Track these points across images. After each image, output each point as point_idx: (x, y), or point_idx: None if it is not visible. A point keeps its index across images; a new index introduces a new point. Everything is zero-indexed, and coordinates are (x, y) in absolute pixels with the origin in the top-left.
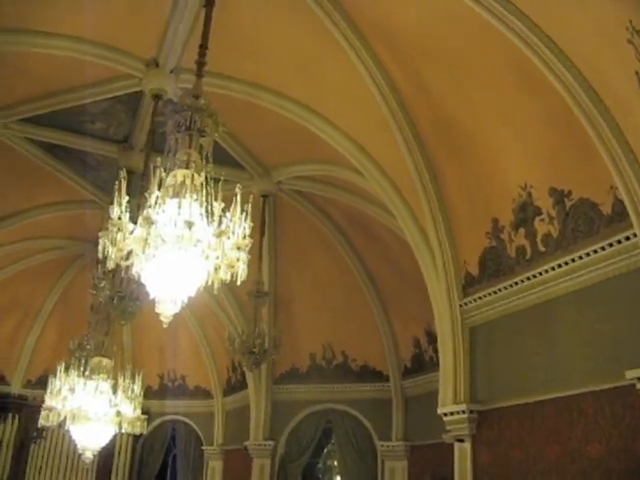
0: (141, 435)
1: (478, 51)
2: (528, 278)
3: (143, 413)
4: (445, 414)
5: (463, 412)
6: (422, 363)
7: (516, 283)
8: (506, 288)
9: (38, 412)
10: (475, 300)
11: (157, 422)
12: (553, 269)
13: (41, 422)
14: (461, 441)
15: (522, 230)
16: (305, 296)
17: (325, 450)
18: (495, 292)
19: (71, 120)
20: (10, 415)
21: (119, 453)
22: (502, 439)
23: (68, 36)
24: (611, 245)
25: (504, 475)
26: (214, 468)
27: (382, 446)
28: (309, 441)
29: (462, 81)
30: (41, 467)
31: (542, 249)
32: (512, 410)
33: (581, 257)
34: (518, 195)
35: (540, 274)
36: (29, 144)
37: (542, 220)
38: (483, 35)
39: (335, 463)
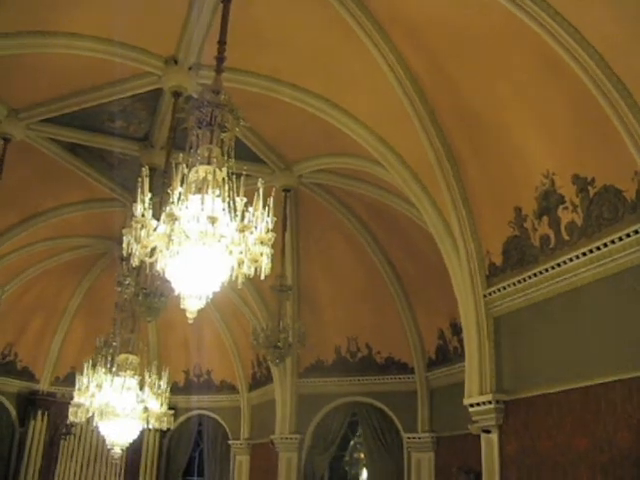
0: (168, 430)
1: (499, 39)
2: (552, 267)
3: (170, 408)
4: (471, 405)
5: (489, 402)
6: (447, 354)
7: (540, 272)
8: (530, 277)
9: (67, 409)
10: (499, 290)
11: (184, 417)
12: (578, 257)
13: (70, 418)
14: (488, 432)
15: (545, 218)
16: (328, 289)
17: (351, 443)
18: (519, 281)
19: (92, 119)
20: (40, 412)
21: (147, 448)
22: (529, 429)
23: (87, 36)
24: (636, 232)
25: (532, 466)
26: (241, 462)
27: (408, 438)
28: (335, 434)
29: (483, 70)
30: (71, 462)
31: (566, 237)
32: (539, 400)
33: (606, 245)
34: (541, 183)
35: (565, 263)
36: (52, 144)
37: (566, 208)
38: (504, 23)
39: (362, 456)
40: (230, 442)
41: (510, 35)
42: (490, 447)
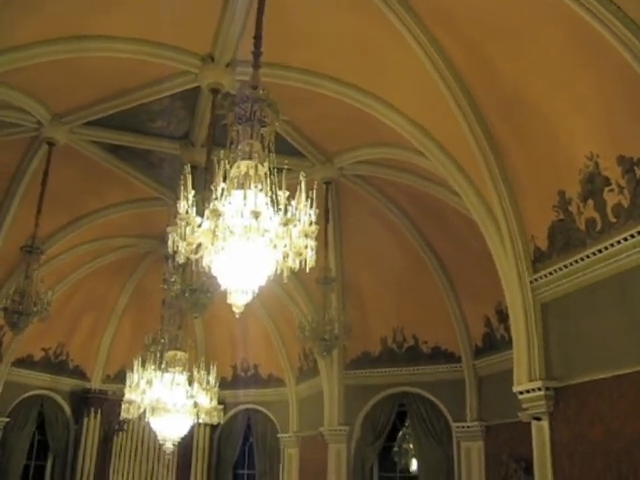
0: (218, 425)
1: (538, 23)
2: (600, 250)
3: (219, 403)
4: (520, 392)
5: (539, 389)
6: (493, 342)
7: (587, 256)
8: (577, 262)
9: (119, 406)
10: (545, 275)
11: (232, 412)
12: (625, 240)
13: (122, 415)
14: (538, 419)
15: (591, 201)
16: (373, 280)
17: (400, 433)
18: (566, 266)
19: (132, 120)
20: (92, 409)
21: (197, 443)
22: (581, 416)
23: (124, 38)
24: None
25: (584, 453)
26: (291, 455)
27: (457, 427)
28: (384, 425)
29: (522, 54)
30: (125, 458)
31: (613, 220)
32: (590, 386)
33: None
34: (585, 166)
35: (612, 245)
36: (94, 146)
37: (611, 190)
38: (541, 6)
39: (410, 446)
40: (279, 435)
41: (549, 17)
42: (541, 435)
